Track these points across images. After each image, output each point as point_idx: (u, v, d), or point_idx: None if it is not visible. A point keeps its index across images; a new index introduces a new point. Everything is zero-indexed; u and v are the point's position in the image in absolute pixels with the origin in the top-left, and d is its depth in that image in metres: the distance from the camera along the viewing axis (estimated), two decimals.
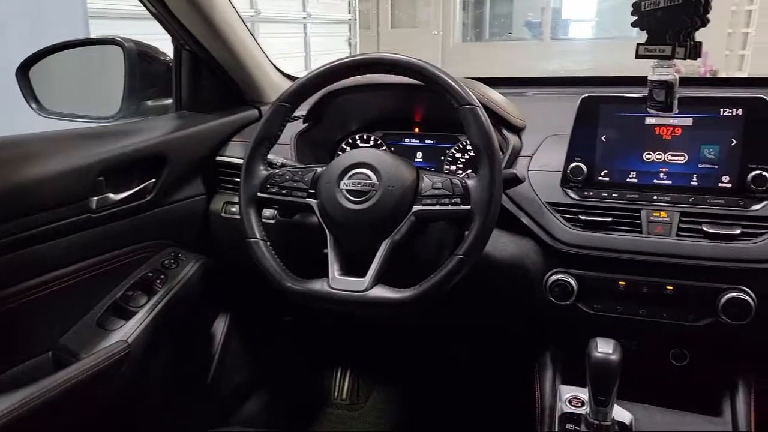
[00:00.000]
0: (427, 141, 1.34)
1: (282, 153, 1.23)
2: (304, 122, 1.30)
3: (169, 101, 1.42)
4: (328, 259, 1.01)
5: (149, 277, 1.23)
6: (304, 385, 1.79)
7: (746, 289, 0.99)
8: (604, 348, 0.93)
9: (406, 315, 1.26)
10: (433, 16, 9.26)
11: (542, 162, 1.16)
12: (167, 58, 1.41)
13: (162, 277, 1.24)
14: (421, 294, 0.95)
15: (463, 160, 1.31)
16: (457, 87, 0.98)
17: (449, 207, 0.98)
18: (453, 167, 1.32)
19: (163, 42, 1.40)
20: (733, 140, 1.04)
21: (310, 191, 1.05)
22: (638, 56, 0.89)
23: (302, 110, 1.26)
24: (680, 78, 1.22)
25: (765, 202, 1.01)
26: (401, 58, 1.02)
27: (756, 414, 1.04)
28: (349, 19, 8.09)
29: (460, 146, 1.30)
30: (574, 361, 1.03)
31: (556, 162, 1.13)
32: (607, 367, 0.91)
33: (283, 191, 1.06)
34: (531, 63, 8.40)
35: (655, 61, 0.88)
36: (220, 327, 1.51)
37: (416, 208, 0.99)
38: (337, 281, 0.99)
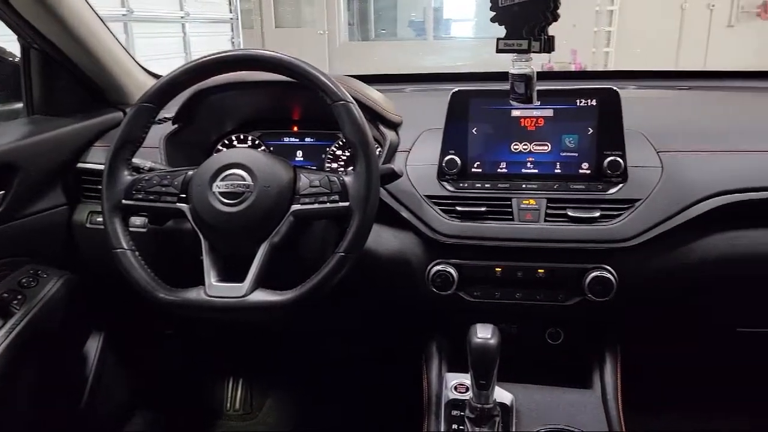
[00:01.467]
0: (307, 139, 1.32)
1: (152, 157, 1.17)
2: (173, 123, 1.24)
3: (20, 105, 1.30)
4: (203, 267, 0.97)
5: (4, 299, 1.11)
6: (192, 399, 1.71)
7: (608, 268, 1.06)
8: (483, 333, 0.95)
9: (292, 318, 1.24)
10: (319, 16, 9.22)
11: (419, 156, 1.18)
12: (16, 59, 1.29)
13: (19, 297, 1.13)
14: (304, 295, 0.94)
15: (344, 158, 1.30)
16: (329, 83, 0.98)
17: (328, 205, 0.97)
18: (334, 165, 1.31)
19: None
20: (590, 129, 1.11)
21: (181, 195, 1.00)
22: (498, 51, 0.92)
23: (173, 111, 1.21)
24: (543, 72, 1.29)
25: (620, 186, 1.09)
26: (270, 54, 1.00)
27: (622, 383, 1.12)
28: (231, 19, 7.86)
29: (340, 143, 1.30)
30: (458, 348, 1.05)
31: (432, 156, 1.16)
32: (486, 352, 0.94)
33: (151, 197, 1.00)
34: (415, 61, 8.61)
35: (515, 55, 0.92)
36: (93, 346, 1.41)
37: (294, 207, 0.98)
38: (214, 288, 0.95)
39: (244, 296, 0.93)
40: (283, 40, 8.94)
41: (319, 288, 0.94)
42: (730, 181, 1.07)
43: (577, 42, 8.83)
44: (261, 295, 0.93)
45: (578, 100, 1.11)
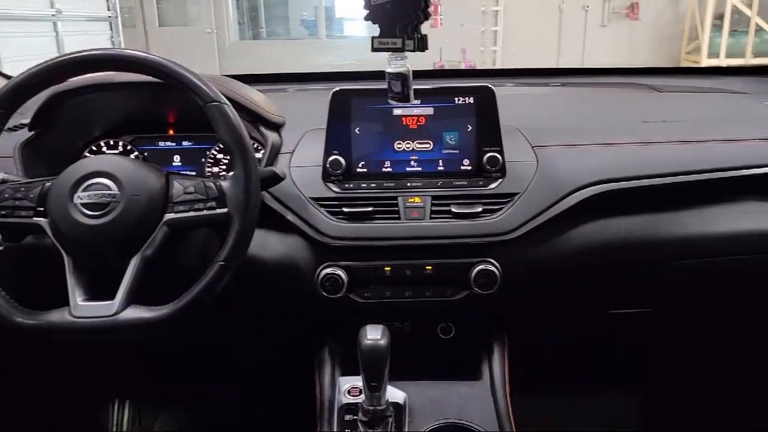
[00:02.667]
0: (185, 143, 1.26)
1: (7, 168, 1.06)
2: (30, 129, 1.13)
3: None
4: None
5: None
6: (72, 427, 1.58)
7: (492, 261, 1.09)
8: (373, 335, 0.95)
9: (171, 334, 1.18)
10: (206, 14, 8.90)
11: (303, 157, 1.16)
12: None
13: None
14: (181, 309, 0.89)
15: (226, 161, 1.25)
16: (201, 84, 0.94)
17: (204, 212, 0.93)
18: (215, 169, 1.25)
19: None
20: (469, 126, 1.13)
21: (39, 209, 0.92)
22: (374, 49, 0.91)
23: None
24: (424, 70, 1.30)
25: (499, 181, 1.12)
26: (135, 54, 0.95)
27: (509, 370, 1.15)
28: (109, 17, 7.40)
29: (222, 146, 1.24)
30: (351, 351, 1.04)
31: (316, 157, 1.14)
32: (376, 353, 0.93)
33: (2, 212, 0.91)
34: (307, 60, 8.55)
35: (390, 53, 0.92)
36: None
37: (168, 216, 0.92)
38: (80, 308, 0.88)
39: (114, 315, 0.87)
40: (168, 39, 8.55)
41: (198, 301, 0.90)
42: (599, 172, 1.13)
43: (466, 41, 9.15)
44: (133, 313, 0.88)
45: (456, 98, 1.13)
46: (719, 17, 9.71)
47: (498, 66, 9.43)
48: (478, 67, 9.13)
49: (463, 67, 8.87)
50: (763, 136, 1.20)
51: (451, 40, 8.81)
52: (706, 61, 9.65)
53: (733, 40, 9.77)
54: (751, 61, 9.50)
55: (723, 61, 9.56)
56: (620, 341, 1.46)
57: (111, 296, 0.88)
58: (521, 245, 1.09)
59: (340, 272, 1.08)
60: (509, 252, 1.09)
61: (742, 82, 1.58)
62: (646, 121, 1.27)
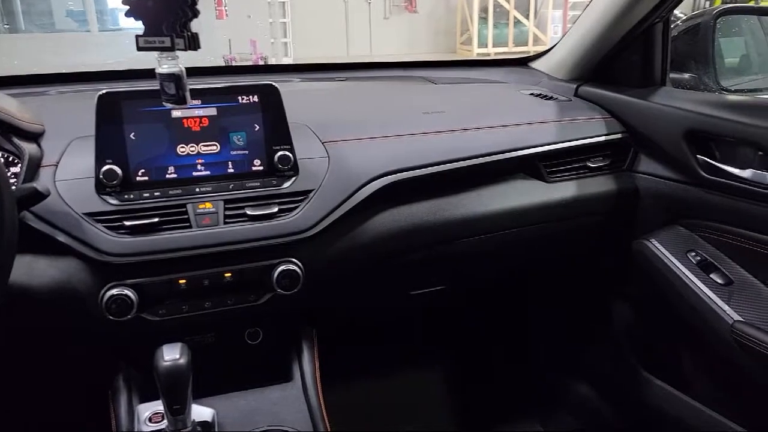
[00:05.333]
0: None
1: None
2: None
3: None
4: None
5: None
6: None
7: (293, 260, 1.08)
8: (170, 355, 0.89)
9: None
10: None
11: (70, 169, 1.04)
12: None
13: None
14: None
15: None
16: None
17: None
18: None
19: None
20: (257, 125, 1.10)
21: None
22: (140, 48, 0.83)
23: None
24: (202, 67, 1.23)
25: (293, 179, 1.11)
26: None
27: (320, 368, 1.16)
28: None
29: None
30: (150, 375, 0.96)
31: (87, 167, 1.02)
32: (176, 374, 0.88)
33: None
34: (77, 56, 7.69)
35: (159, 53, 0.85)
36: None
37: None
38: None
39: None
40: None
41: None
42: (386, 164, 1.17)
43: (256, 33, 8.99)
44: None
45: (240, 97, 1.09)
46: (485, 10, 10.84)
47: (291, 57, 9.43)
48: (270, 59, 9.04)
49: (254, 59, 8.72)
50: (522, 122, 1.35)
51: (241, 32, 8.59)
52: (476, 51, 10.72)
53: (498, 31, 10.99)
54: (513, 49, 10.77)
55: (491, 50, 10.70)
56: (417, 317, 1.55)
57: None
58: (321, 241, 1.09)
59: (128, 291, 0.99)
60: (309, 249, 1.09)
61: (504, 73, 1.76)
62: (426, 113, 1.35)
